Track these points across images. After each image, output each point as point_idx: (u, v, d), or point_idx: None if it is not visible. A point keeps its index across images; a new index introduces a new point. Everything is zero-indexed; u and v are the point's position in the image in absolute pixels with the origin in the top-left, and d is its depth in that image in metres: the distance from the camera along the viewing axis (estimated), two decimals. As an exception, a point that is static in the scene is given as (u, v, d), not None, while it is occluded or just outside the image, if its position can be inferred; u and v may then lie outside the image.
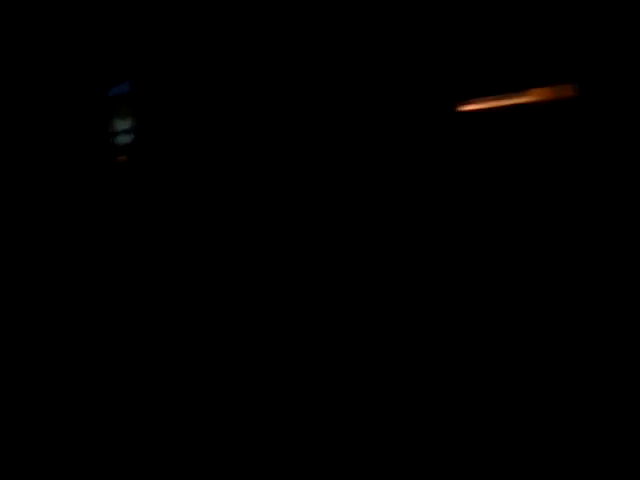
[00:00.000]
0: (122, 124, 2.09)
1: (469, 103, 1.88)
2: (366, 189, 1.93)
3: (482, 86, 1.87)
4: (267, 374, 1.88)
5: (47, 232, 1.94)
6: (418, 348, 1.85)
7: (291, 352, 1.90)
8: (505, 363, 1.77)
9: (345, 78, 1.92)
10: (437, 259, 1.89)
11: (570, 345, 1.72)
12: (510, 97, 1.83)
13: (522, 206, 1.83)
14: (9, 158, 1.99)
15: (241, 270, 1.88)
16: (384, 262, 1.93)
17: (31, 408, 1.91)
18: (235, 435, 1.81)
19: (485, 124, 1.85)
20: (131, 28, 1.87)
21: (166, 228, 1.97)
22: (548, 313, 1.76)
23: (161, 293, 1.94)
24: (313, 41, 1.93)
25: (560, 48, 1.78)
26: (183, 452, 1.79)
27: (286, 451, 1.75)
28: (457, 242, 1.86)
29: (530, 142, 1.80)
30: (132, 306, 1.94)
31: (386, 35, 1.87)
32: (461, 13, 1.85)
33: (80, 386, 1.95)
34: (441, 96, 1.89)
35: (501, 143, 1.84)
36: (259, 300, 1.89)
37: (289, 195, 1.94)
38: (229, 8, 1.96)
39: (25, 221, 1.94)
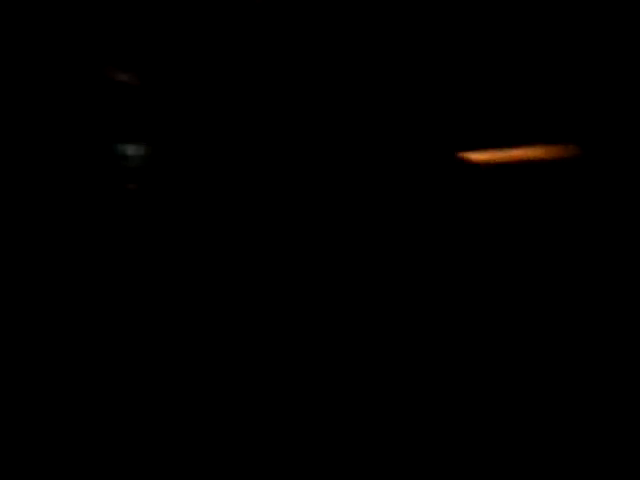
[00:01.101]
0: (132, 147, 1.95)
1: (474, 152, 1.87)
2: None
3: (488, 136, 1.86)
4: (265, 374, 1.87)
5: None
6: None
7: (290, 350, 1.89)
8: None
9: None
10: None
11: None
12: (516, 150, 1.82)
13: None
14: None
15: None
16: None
17: (31, 408, 1.84)
18: (235, 435, 1.79)
19: (490, 175, 1.86)
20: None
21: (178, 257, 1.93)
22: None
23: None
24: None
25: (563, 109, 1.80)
26: (183, 452, 1.77)
27: (286, 451, 1.74)
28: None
29: (538, 200, 1.80)
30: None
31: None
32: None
33: (80, 385, 1.89)
34: (444, 144, 1.88)
35: (505, 196, 1.84)
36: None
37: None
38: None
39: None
